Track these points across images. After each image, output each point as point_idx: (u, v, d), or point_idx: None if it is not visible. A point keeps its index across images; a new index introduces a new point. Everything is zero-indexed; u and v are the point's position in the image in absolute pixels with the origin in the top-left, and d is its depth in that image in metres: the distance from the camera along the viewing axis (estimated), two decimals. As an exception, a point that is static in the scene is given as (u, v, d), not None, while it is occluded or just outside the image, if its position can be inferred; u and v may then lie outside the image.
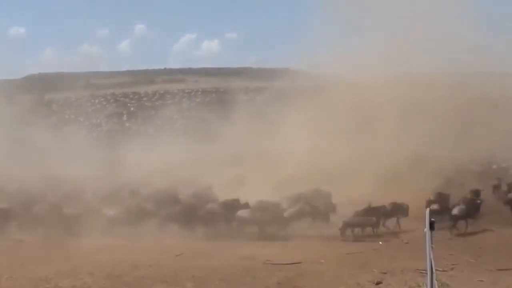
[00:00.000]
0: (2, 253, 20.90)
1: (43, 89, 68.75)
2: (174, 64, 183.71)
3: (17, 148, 45.00)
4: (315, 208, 26.32)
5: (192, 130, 50.03)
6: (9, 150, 42.71)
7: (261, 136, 42.84)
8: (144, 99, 78.86)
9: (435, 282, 8.21)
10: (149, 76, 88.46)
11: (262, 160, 36.51)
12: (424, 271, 15.65)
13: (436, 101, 39.28)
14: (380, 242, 22.99)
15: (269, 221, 25.49)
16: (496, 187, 31.69)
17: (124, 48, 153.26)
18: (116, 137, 58.50)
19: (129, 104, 76.47)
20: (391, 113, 38.10)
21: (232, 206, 26.69)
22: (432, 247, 8.32)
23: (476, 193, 27.72)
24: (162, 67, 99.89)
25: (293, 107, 44.51)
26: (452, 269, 17.14)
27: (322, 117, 40.12)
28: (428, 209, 8.47)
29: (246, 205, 26.60)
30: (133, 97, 79.35)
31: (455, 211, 24.95)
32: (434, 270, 8.24)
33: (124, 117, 71.66)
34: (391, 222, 25.99)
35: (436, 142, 35.85)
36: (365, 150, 35.24)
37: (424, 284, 15.21)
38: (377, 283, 16.31)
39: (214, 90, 77.57)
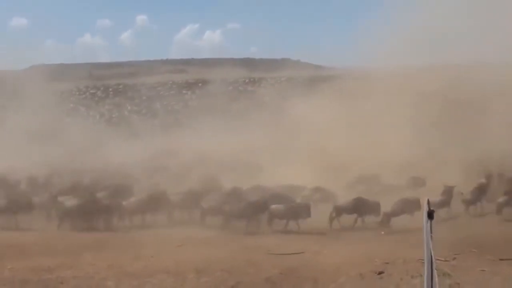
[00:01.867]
0: (5, 244, 20.94)
1: (47, 80, 68.73)
2: (175, 55, 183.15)
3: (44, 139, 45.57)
4: None
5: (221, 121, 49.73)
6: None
7: (281, 128, 42.94)
8: (159, 88, 78.62)
9: (435, 271, 8.17)
10: (151, 67, 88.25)
11: (292, 153, 36.24)
12: (426, 261, 15.72)
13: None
14: (382, 232, 22.99)
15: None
16: None
17: (126, 39, 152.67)
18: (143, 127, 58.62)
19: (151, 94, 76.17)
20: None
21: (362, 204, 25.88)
22: (431, 237, 8.30)
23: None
24: (164, 58, 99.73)
25: (309, 97, 44.55)
26: (454, 258, 17.12)
27: (342, 108, 40.06)
28: (427, 199, 8.42)
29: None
30: (142, 87, 79.09)
31: None
32: (433, 260, 8.21)
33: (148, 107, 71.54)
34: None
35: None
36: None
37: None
38: (379, 273, 16.30)
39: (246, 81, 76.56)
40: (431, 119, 37.95)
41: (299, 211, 24.95)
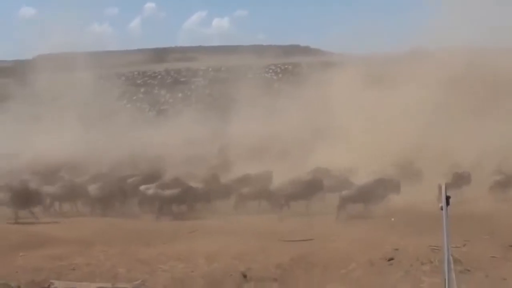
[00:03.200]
0: (20, 232, 21.06)
1: (54, 69, 68.78)
2: (183, 42, 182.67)
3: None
4: None
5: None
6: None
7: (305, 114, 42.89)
8: (175, 76, 78.47)
9: (450, 258, 8.18)
10: (160, 54, 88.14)
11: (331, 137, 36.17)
12: (436, 247, 15.74)
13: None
14: (392, 219, 22.94)
15: None
16: None
17: (134, 27, 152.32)
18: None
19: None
20: None
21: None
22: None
23: None
24: (172, 46, 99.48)
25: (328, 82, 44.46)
26: (464, 245, 17.07)
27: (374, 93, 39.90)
28: (443, 185, 8.37)
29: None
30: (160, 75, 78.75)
31: None
32: (449, 246, 8.21)
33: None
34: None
35: None
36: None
37: (436, 260, 15.29)
38: (389, 260, 16.31)
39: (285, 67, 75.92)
40: (461, 105, 37.62)
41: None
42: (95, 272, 16.32)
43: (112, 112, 57.70)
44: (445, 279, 7.99)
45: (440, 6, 45.61)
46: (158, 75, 78.03)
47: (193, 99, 68.06)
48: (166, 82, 75.64)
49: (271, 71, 75.32)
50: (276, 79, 70.82)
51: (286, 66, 75.59)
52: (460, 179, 26.96)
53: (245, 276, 15.46)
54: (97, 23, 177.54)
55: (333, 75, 45.75)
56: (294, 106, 45.99)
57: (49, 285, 13.83)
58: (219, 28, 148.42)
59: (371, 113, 37.56)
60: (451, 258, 8.14)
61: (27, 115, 51.06)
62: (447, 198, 8.08)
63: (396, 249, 17.12)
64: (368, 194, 24.90)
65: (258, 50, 78.86)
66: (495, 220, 20.58)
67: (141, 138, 43.85)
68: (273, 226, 22.05)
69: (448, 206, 8.08)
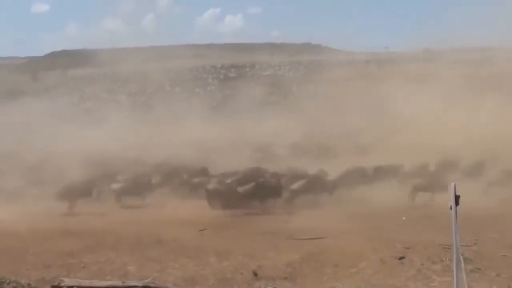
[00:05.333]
0: (29, 227, 21.11)
1: (67, 66, 69.02)
2: (195, 39, 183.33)
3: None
4: None
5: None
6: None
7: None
8: (194, 72, 78.35)
9: (460, 257, 8.15)
10: (173, 51, 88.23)
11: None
12: (447, 246, 15.67)
13: None
14: (404, 218, 22.85)
15: None
16: None
17: (147, 24, 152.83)
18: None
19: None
20: None
21: None
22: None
23: None
24: (185, 43, 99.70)
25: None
26: (475, 244, 17.04)
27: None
28: (453, 184, 8.35)
29: None
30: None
31: None
32: (459, 245, 8.19)
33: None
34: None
35: None
36: None
37: (447, 259, 15.23)
38: (400, 258, 16.28)
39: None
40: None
41: None
42: (105, 271, 16.32)
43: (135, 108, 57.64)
44: (454, 278, 7.97)
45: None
46: (171, 72, 78.09)
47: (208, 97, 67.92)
48: (185, 78, 75.79)
49: (284, 68, 75.31)
50: (291, 76, 70.71)
51: (299, 64, 75.54)
52: None
53: (255, 274, 15.44)
54: (111, 19, 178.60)
55: (350, 72, 45.77)
56: (314, 103, 45.87)
57: (59, 283, 13.79)
58: (232, 26, 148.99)
59: (408, 109, 37.50)
60: (461, 257, 8.11)
61: (45, 111, 51.10)
62: (457, 197, 8.05)
63: (407, 248, 17.10)
64: None
65: (271, 47, 79.02)
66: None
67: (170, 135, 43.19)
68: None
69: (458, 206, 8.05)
